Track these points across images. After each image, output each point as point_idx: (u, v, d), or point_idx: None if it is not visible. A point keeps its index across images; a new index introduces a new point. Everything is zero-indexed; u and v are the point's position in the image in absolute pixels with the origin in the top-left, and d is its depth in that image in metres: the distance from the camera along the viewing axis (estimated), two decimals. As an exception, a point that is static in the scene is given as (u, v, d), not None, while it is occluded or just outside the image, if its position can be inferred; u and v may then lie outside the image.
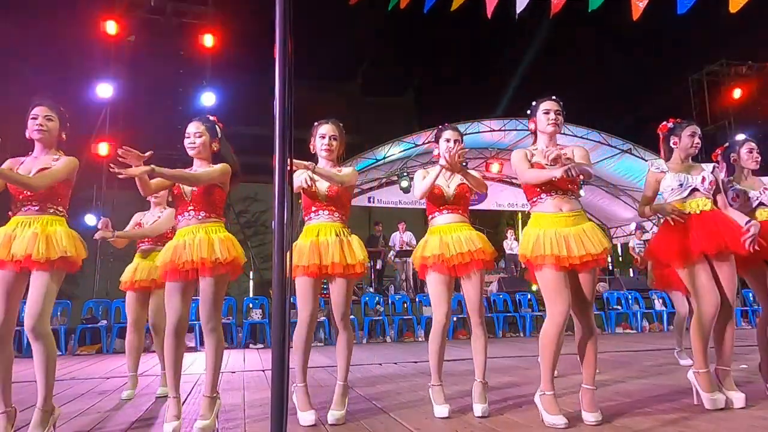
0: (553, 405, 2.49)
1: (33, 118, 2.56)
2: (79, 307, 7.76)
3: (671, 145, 3.03)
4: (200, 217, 2.64)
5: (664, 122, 3.10)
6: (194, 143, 2.70)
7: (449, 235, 2.85)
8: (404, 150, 11.49)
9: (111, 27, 10.29)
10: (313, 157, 2.95)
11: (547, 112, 2.69)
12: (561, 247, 2.49)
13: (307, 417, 2.60)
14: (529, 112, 2.79)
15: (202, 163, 2.74)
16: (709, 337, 2.77)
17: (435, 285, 2.85)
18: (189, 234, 2.60)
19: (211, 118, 2.81)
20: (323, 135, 2.90)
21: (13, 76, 10.23)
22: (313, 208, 2.86)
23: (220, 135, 2.78)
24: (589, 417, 2.47)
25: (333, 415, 2.65)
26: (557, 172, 2.41)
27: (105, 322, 7.54)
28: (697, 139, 2.98)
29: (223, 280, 2.60)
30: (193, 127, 2.72)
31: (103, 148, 9.92)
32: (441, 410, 2.71)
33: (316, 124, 2.95)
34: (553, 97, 2.75)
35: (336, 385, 2.80)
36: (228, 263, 2.57)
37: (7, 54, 10.30)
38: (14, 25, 11.00)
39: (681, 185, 2.91)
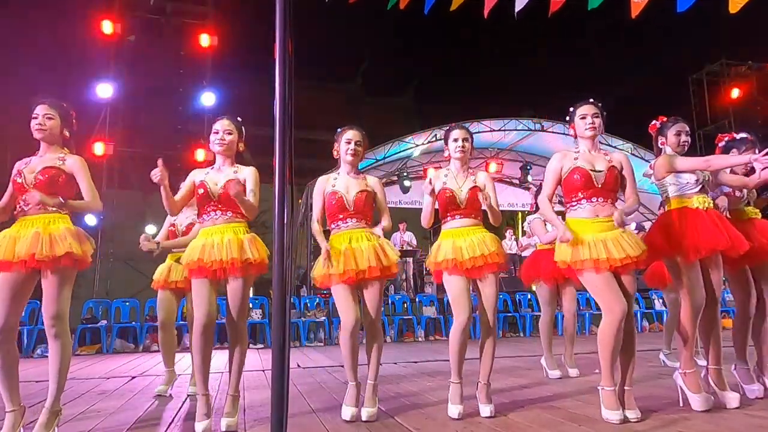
0: (612, 400, 2.52)
1: (34, 118, 2.56)
2: (79, 307, 7.75)
3: (659, 145, 2.97)
4: (227, 216, 2.67)
5: (653, 121, 3.04)
6: (224, 140, 2.72)
7: (462, 238, 2.83)
8: (404, 150, 11.49)
9: (110, 27, 10.31)
10: (335, 162, 3.03)
11: (583, 117, 2.71)
12: (600, 251, 2.52)
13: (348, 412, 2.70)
14: (567, 118, 2.80)
15: (226, 161, 2.76)
16: (695, 335, 2.79)
17: (454, 288, 2.81)
18: (217, 234, 2.62)
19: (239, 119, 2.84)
20: (349, 140, 2.93)
21: (14, 76, 10.24)
22: (340, 216, 2.87)
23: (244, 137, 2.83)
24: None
25: (366, 411, 2.73)
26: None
27: (105, 322, 7.54)
28: (684, 137, 2.91)
29: (251, 279, 2.66)
30: (224, 125, 2.74)
31: (103, 148, 9.93)
32: (453, 410, 2.70)
33: (340, 129, 2.98)
34: (591, 100, 2.74)
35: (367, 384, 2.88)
36: (257, 263, 2.62)
37: (7, 54, 10.31)
38: (14, 25, 11.01)
39: (697, 180, 2.85)
